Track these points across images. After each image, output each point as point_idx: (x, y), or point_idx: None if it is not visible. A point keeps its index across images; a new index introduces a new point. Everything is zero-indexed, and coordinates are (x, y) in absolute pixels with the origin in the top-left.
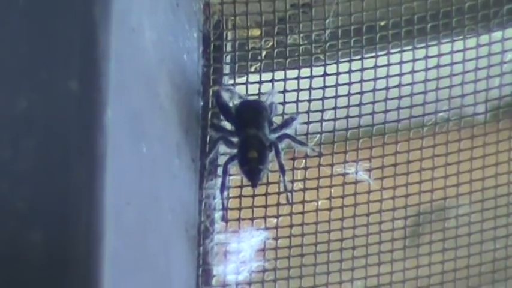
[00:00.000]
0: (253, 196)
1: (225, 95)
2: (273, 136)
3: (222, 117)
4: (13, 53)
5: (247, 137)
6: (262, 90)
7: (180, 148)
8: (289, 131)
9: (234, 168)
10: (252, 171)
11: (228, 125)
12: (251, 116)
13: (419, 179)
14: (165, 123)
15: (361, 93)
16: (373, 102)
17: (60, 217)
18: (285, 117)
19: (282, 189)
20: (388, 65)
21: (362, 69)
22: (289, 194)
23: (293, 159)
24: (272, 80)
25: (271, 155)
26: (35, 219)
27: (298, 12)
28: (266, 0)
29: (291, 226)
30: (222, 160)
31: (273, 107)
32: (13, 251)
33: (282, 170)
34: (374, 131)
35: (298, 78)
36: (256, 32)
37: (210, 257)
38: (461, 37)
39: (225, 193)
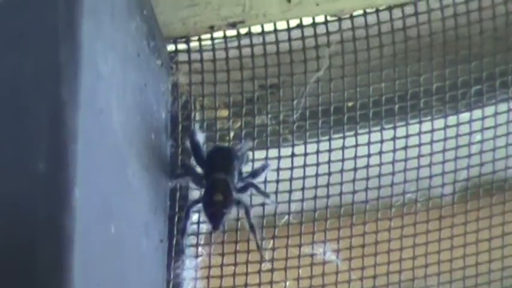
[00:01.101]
0: (221, 277)
1: (199, 137)
2: (240, 184)
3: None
4: None
5: (215, 180)
6: None
7: (148, 228)
8: (258, 180)
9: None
10: (216, 214)
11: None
12: (221, 160)
13: (387, 260)
14: (134, 203)
15: (329, 174)
16: (341, 183)
17: None
18: (257, 166)
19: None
20: (356, 145)
21: (330, 150)
22: (262, 247)
23: (261, 239)
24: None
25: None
26: None
27: (266, 93)
28: (234, 81)
29: None
30: (190, 240)
31: (244, 157)
32: None
33: (252, 229)
34: (342, 211)
35: (266, 159)
36: (224, 113)
37: None
38: (429, 118)
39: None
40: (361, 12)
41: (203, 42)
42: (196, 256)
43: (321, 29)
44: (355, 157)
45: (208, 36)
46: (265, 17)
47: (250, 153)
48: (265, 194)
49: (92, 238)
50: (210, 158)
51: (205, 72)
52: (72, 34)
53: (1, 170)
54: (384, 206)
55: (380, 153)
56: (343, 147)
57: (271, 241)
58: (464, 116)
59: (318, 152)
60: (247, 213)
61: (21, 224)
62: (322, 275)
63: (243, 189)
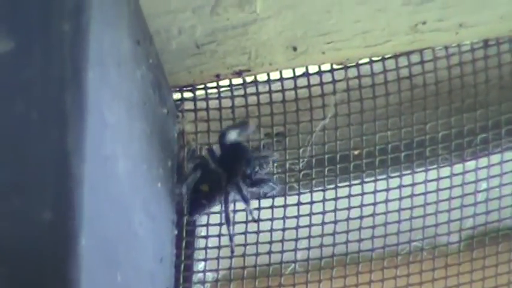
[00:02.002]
0: None
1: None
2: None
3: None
4: None
5: (211, 171)
6: (236, 219)
7: (154, 277)
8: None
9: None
10: (195, 202)
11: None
12: (231, 156)
13: None
14: (140, 251)
15: (335, 222)
16: (347, 231)
17: None
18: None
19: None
20: (362, 194)
21: (336, 198)
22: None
23: None
24: (246, 209)
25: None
26: None
27: (272, 141)
28: None
29: None
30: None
31: (259, 162)
32: None
33: (227, 220)
34: (348, 260)
35: (272, 207)
36: None
37: None
38: (435, 166)
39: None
40: (367, 60)
41: (209, 91)
42: None
43: (327, 77)
44: (361, 205)
45: (214, 84)
46: (270, 65)
47: (270, 160)
48: (273, 188)
49: (98, 287)
50: (223, 150)
51: (211, 120)
52: (78, 83)
53: (7, 218)
54: (390, 254)
55: (386, 201)
56: (349, 196)
57: None
58: (470, 164)
59: (324, 200)
60: (225, 204)
61: (27, 273)
62: None
63: (254, 185)
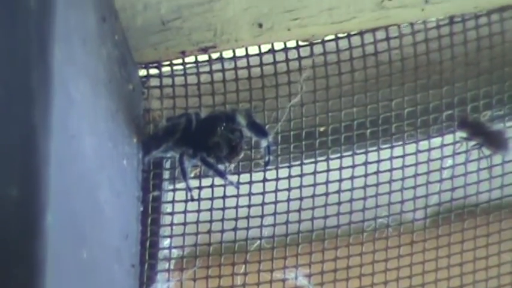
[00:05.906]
0: None
1: None
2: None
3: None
4: None
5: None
6: (202, 196)
7: (120, 253)
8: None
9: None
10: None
11: None
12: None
13: (359, 285)
14: (105, 228)
15: (301, 198)
16: (312, 208)
17: None
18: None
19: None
20: (328, 170)
21: (301, 175)
22: None
23: (233, 264)
24: (212, 186)
25: None
26: None
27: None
28: (206, 106)
29: None
30: (161, 265)
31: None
32: None
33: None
34: (314, 236)
35: (237, 183)
36: None
37: None
38: (400, 143)
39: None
40: (332, 37)
41: (175, 67)
42: (168, 281)
43: (292, 54)
44: (327, 182)
45: (179, 61)
46: (236, 41)
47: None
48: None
49: (63, 264)
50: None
51: (177, 97)
52: (44, 59)
53: None
54: (355, 231)
55: (351, 178)
56: (314, 172)
57: (243, 266)
58: (436, 141)
59: (289, 177)
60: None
61: None
62: None
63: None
